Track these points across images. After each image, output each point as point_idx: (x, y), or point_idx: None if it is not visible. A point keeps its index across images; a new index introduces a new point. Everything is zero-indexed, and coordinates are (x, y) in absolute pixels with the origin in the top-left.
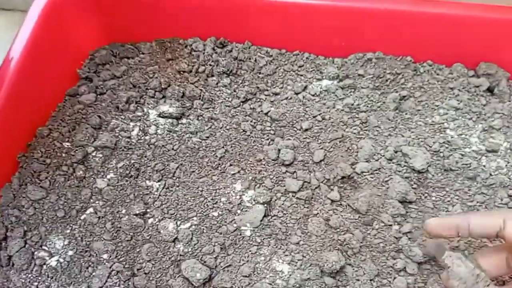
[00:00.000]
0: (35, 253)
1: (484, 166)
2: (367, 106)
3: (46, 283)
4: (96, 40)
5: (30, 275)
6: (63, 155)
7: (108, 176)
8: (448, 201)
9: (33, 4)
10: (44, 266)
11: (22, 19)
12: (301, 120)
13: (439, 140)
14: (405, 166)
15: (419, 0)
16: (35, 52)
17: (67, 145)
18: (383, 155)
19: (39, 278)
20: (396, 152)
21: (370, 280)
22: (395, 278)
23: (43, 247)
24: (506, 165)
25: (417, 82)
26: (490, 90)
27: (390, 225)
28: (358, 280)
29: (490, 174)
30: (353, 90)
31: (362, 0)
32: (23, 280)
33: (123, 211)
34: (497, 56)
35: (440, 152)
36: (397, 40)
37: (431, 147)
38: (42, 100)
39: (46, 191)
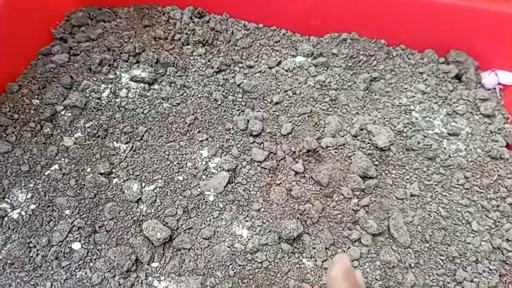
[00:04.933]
0: None
1: (444, 148)
2: (338, 85)
3: (7, 235)
4: (73, 2)
5: None
6: (32, 111)
7: (76, 135)
8: (407, 178)
9: None
10: (6, 218)
11: None
12: (272, 93)
13: (403, 121)
14: (368, 143)
15: None
16: (9, 9)
17: (36, 102)
18: (349, 132)
19: (0, 229)
20: (361, 129)
21: (326, 248)
22: (349, 247)
23: (6, 200)
24: (465, 149)
25: (388, 65)
26: (458, 77)
27: (350, 198)
28: (314, 248)
29: (449, 156)
30: (325, 68)
31: None
32: None
33: (88, 170)
34: (468, 45)
35: (404, 132)
36: (373, 23)
37: (395, 127)
38: (14, 57)
39: (12, 145)
